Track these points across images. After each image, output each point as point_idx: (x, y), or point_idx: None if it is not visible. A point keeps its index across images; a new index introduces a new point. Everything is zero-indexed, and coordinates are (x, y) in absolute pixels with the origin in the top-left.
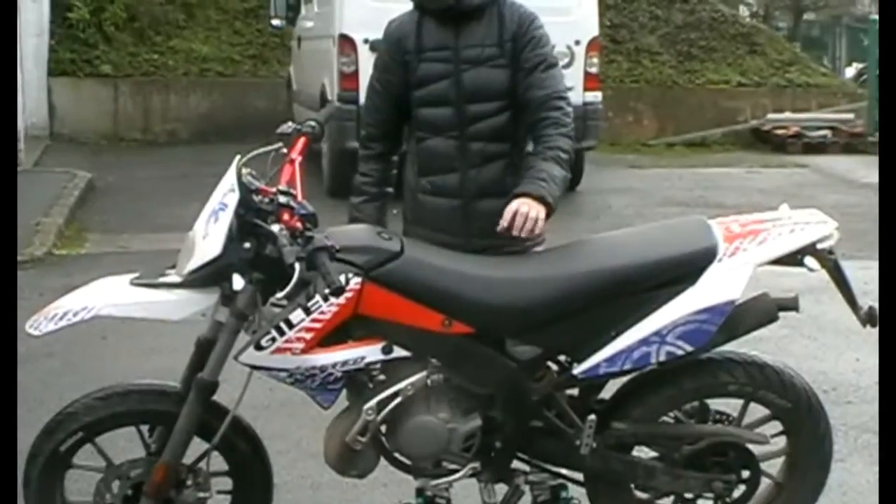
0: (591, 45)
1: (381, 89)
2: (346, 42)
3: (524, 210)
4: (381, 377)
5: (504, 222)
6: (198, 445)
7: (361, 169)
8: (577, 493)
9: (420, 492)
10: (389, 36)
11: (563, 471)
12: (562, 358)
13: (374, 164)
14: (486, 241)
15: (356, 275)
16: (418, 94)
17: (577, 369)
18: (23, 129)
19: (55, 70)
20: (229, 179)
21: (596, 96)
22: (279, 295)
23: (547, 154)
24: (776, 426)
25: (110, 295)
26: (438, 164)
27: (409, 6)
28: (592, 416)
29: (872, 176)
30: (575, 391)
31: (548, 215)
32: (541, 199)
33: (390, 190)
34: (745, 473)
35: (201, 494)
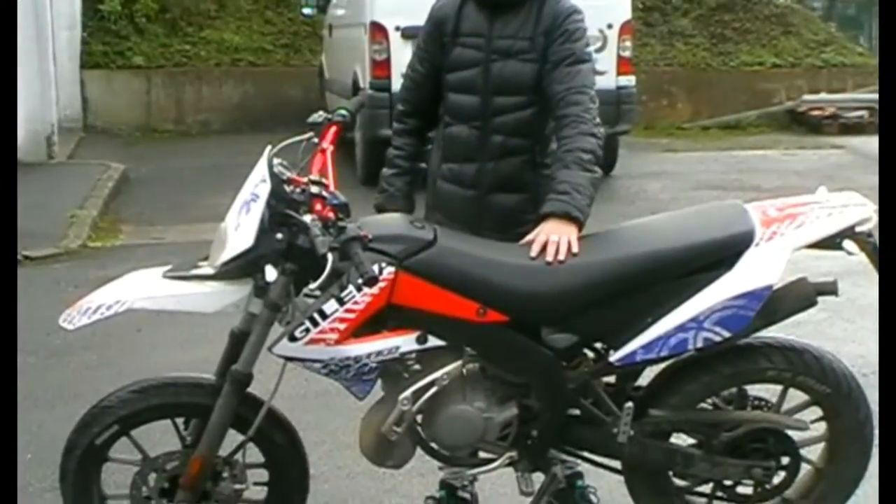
0: (624, 28)
1: (419, 67)
2: (378, 29)
3: (553, 238)
4: (417, 367)
5: (533, 253)
6: (233, 437)
7: (395, 142)
8: (605, 481)
9: (444, 484)
10: (432, 15)
11: (601, 459)
12: (598, 345)
13: (407, 139)
14: (497, 236)
15: (389, 264)
16: (449, 79)
17: (614, 356)
18: (56, 122)
19: (88, 63)
20: (260, 170)
21: (629, 80)
22: (312, 286)
23: (567, 159)
24: (816, 412)
25: (143, 288)
26: (459, 151)
27: None
28: (630, 404)
29: None
30: (612, 379)
31: (580, 226)
32: (567, 216)
33: (423, 165)
34: (785, 460)
35: (237, 486)
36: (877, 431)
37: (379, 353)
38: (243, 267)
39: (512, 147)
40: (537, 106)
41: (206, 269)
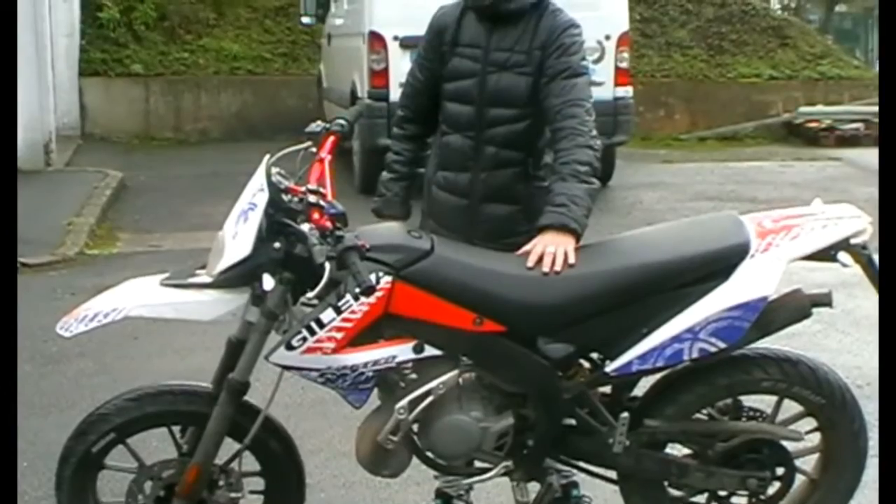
0: (622, 39)
1: (419, 75)
2: (376, 39)
3: (550, 250)
4: (413, 376)
5: (530, 263)
6: (230, 446)
7: (394, 147)
8: (601, 491)
9: (439, 493)
10: (433, 24)
11: (596, 468)
12: (594, 355)
13: (406, 144)
14: (489, 245)
15: (387, 274)
16: (446, 88)
17: (610, 367)
18: (54, 130)
19: (86, 70)
20: (259, 179)
21: (627, 91)
22: (310, 294)
23: (563, 172)
24: (810, 422)
25: (140, 296)
26: (454, 161)
27: (438, 4)
28: (625, 414)
29: None
30: (607, 389)
31: (578, 238)
32: (565, 228)
33: (421, 171)
34: (780, 470)
35: (233, 495)
36: (876, 441)
37: (376, 362)
38: (241, 275)
39: (505, 158)
40: (531, 119)
41: (204, 278)
